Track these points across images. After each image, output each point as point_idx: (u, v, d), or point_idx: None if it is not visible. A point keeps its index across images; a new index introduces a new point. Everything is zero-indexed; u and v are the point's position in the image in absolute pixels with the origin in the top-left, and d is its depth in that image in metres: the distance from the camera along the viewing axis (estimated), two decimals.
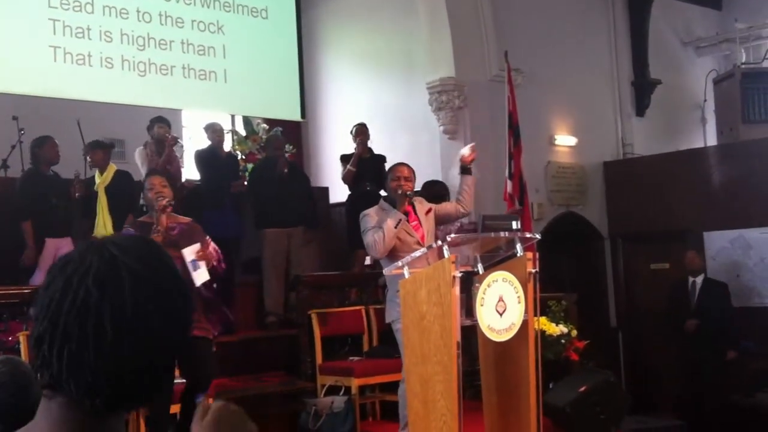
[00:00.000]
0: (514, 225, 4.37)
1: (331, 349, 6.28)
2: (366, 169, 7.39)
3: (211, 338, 4.61)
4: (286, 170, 7.14)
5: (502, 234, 4.21)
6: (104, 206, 6.42)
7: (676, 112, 10.17)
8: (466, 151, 5.03)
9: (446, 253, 3.88)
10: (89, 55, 6.76)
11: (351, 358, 6.18)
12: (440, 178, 7.60)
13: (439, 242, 3.99)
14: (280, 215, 6.97)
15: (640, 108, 9.72)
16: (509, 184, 7.28)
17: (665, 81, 9.77)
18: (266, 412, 5.72)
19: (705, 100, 10.28)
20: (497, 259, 4.28)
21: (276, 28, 7.96)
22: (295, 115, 8.33)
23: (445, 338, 3.83)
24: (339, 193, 8.29)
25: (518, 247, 4.17)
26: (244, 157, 8.68)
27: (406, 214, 4.82)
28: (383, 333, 6.06)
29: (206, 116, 8.02)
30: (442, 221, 5.11)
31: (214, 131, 7.29)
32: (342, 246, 7.84)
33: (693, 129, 10.36)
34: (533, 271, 4.14)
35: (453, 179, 5.27)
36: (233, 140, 8.94)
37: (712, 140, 10.02)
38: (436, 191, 6.33)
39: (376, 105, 8.84)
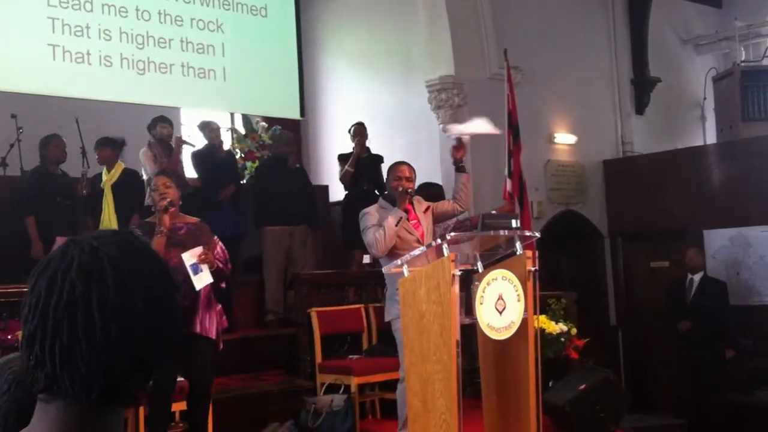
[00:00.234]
0: (514, 223, 4.37)
1: (330, 348, 6.28)
2: (363, 168, 7.39)
3: (214, 339, 4.59)
4: (298, 165, 7.18)
5: (501, 232, 4.21)
6: (110, 204, 6.41)
7: (675, 111, 10.16)
8: (455, 129, 5.03)
9: (446, 252, 3.88)
10: (88, 54, 6.76)
11: (350, 356, 6.18)
12: (440, 177, 7.60)
13: (439, 240, 3.99)
14: (284, 213, 6.97)
15: (640, 106, 9.72)
16: (509, 182, 7.28)
17: (665, 79, 9.77)
18: (266, 411, 5.73)
19: (704, 99, 10.28)
20: (497, 257, 4.28)
21: (275, 26, 7.96)
22: (294, 114, 8.33)
23: (444, 337, 3.83)
24: (338, 191, 8.29)
25: (518, 245, 4.17)
26: (243, 155, 8.68)
27: (406, 212, 4.82)
28: (382, 331, 6.05)
29: (205, 115, 8.01)
30: (439, 219, 5.12)
31: (211, 130, 7.28)
32: (341, 245, 7.83)
33: (692, 127, 10.35)
34: (533, 269, 4.14)
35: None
36: (232, 139, 8.94)
37: (711, 138, 10.01)
38: (432, 193, 6.32)
39: (375, 103, 8.83)
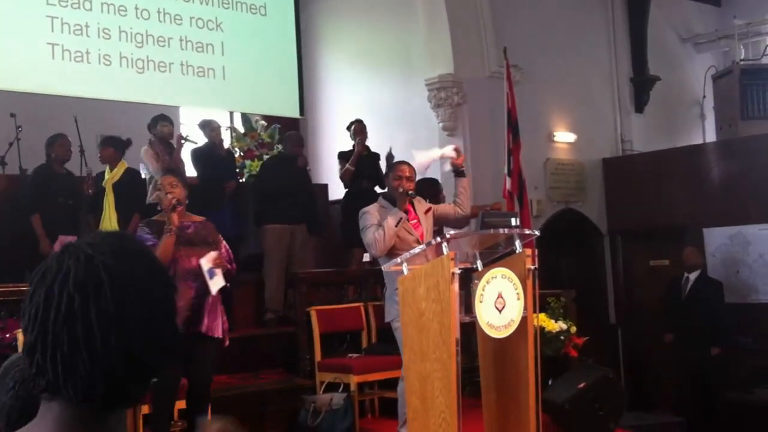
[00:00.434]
0: (513, 222, 4.37)
1: (329, 346, 6.27)
2: (363, 166, 7.38)
3: (220, 337, 4.62)
4: (308, 167, 7.18)
5: (501, 231, 4.21)
6: (111, 203, 6.41)
7: (675, 109, 10.16)
8: (447, 151, 5.06)
9: (445, 250, 3.88)
10: (87, 52, 6.76)
11: (350, 355, 6.17)
12: (439, 176, 7.60)
13: (438, 239, 3.98)
14: (286, 211, 6.96)
15: (639, 104, 9.72)
16: (508, 180, 7.28)
17: (664, 77, 9.77)
18: (265, 410, 5.73)
19: (704, 97, 10.28)
20: (496, 255, 4.28)
21: (275, 25, 7.96)
22: (293, 112, 8.33)
23: (444, 335, 3.83)
24: (338, 190, 8.28)
25: (517, 243, 4.16)
26: (242, 154, 8.68)
27: (406, 212, 4.82)
28: (382, 330, 6.05)
29: (206, 113, 8.01)
30: (440, 222, 5.12)
31: (212, 128, 7.28)
32: (340, 243, 7.83)
33: (692, 125, 10.36)
34: (532, 267, 4.13)
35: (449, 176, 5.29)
36: (231, 137, 8.94)
37: (711, 137, 10.01)
38: (427, 188, 6.32)
39: (374, 102, 8.83)
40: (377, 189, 7.15)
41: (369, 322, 6.46)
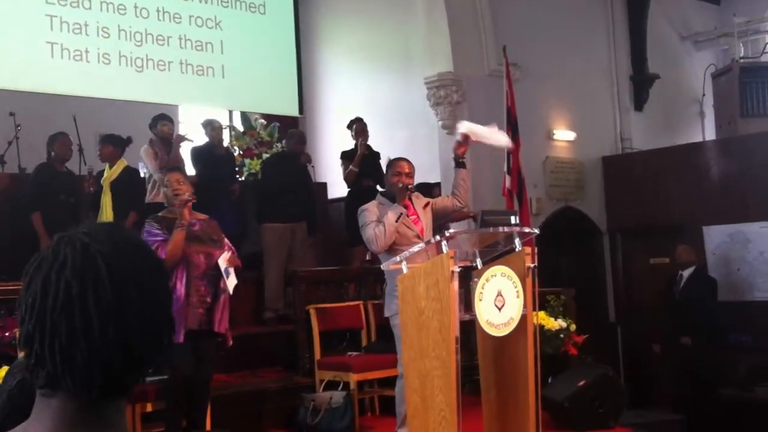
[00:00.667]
0: (513, 220, 4.37)
1: (329, 345, 6.28)
2: (364, 165, 7.38)
3: (225, 334, 4.69)
4: (311, 164, 7.19)
5: (500, 229, 4.21)
6: (108, 201, 6.42)
7: (674, 107, 10.16)
8: (460, 137, 4.97)
9: (445, 248, 3.88)
10: (86, 51, 6.75)
11: (349, 353, 6.17)
12: (439, 174, 7.61)
13: (438, 237, 3.98)
14: (286, 209, 6.96)
15: (639, 102, 9.71)
16: (507, 179, 7.28)
17: (664, 75, 9.76)
18: (264, 408, 5.73)
19: (703, 95, 10.28)
20: (496, 253, 4.28)
21: (274, 23, 7.95)
22: (292, 111, 8.33)
23: (443, 333, 3.83)
24: (337, 188, 8.28)
25: (517, 241, 4.16)
26: (241, 152, 8.68)
27: (406, 208, 4.82)
28: (381, 328, 6.05)
29: (204, 112, 8.01)
30: (439, 215, 5.11)
31: (213, 128, 7.28)
32: (340, 241, 7.83)
33: (691, 123, 10.35)
34: (532, 265, 4.13)
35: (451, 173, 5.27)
36: (231, 136, 8.94)
37: (710, 135, 10.01)
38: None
39: (373, 100, 8.83)
40: (379, 188, 7.15)
41: (368, 321, 6.46)
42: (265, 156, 8.45)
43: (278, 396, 5.85)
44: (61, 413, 1.00)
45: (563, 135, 8.92)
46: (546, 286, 6.00)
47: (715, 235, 8.40)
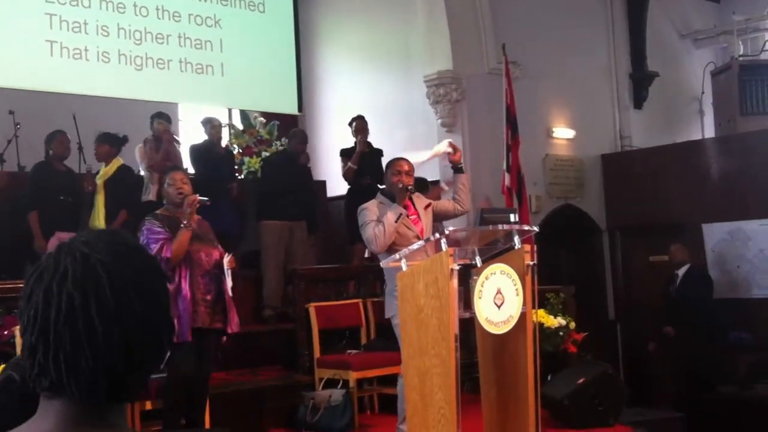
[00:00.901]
0: (512, 218, 4.37)
1: (328, 343, 6.28)
2: (365, 163, 7.38)
3: (229, 331, 4.71)
4: (309, 164, 7.20)
5: (500, 227, 4.21)
6: (100, 200, 6.42)
7: (673, 105, 10.17)
8: (441, 148, 5.08)
9: (444, 247, 3.88)
10: (86, 50, 6.75)
11: (349, 351, 6.17)
12: (438, 172, 7.60)
13: (437, 235, 3.98)
14: (285, 208, 6.96)
15: (638, 100, 9.71)
16: (507, 177, 7.28)
17: (663, 73, 9.76)
18: (264, 406, 5.73)
19: (703, 93, 10.28)
20: (495, 251, 4.28)
21: (273, 21, 7.95)
22: (292, 109, 8.33)
23: (443, 331, 3.83)
24: (337, 187, 8.28)
25: (516, 239, 4.16)
26: (241, 151, 8.67)
27: (405, 208, 4.82)
28: (381, 326, 6.05)
29: (203, 110, 8.01)
30: (439, 218, 5.12)
31: (213, 126, 7.27)
32: (339, 240, 7.83)
33: (691, 121, 10.36)
34: (531, 263, 4.14)
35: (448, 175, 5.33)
36: (230, 134, 8.94)
37: (709, 132, 10.02)
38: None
39: (373, 98, 8.82)
40: (380, 186, 7.15)
41: (368, 319, 6.46)
42: (264, 154, 8.44)
43: (278, 394, 5.85)
44: (64, 415, 1.01)
45: (563, 133, 8.93)
46: (545, 284, 6.00)
47: (714, 233, 8.40)
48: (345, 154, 7.53)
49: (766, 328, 7.85)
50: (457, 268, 3.83)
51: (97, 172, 6.63)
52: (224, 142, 7.89)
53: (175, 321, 4.33)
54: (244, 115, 9.02)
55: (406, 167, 4.87)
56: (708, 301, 7.84)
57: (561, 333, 6.13)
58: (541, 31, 8.59)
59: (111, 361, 1.00)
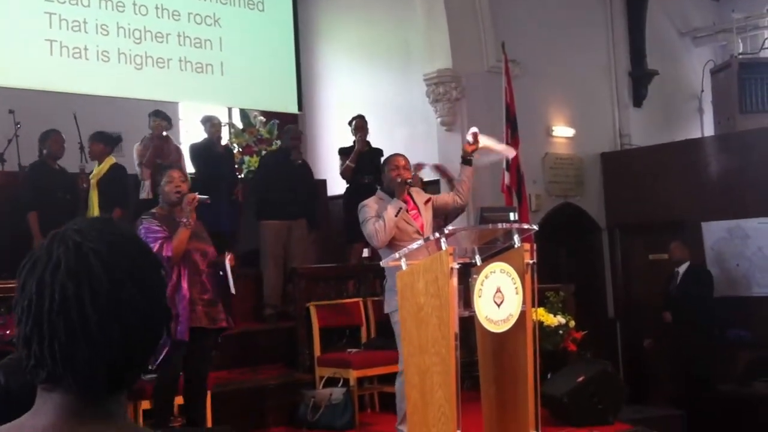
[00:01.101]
0: (512, 216, 4.39)
1: (329, 341, 6.29)
2: (364, 162, 7.39)
3: (228, 328, 4.72)
4: (300, 161, 7.20)
5: (499, 225, 4.22)
6: (94, 198, 6.43)
7: (673, 103, 10.17)
8: (470, 137, 5.00)
9: (444, 245, 3.89)
10: (85, 49, 6.75)
11: (349, 350, 6.18)
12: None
13: (437, 234, 3.99)
14: (284, 207, 6.97)
15: (638, 99, 9.72)
16: (507, 175, 7.29)
17: (662, 72, 9.77)
18: (264, 404, 5.74)
19: (702, 91, 10.29)
20: (495, 250, 4.28)
21: (272, 20, 7.95)
22: (291, 108, 8.32)
23: (442, 329, 3.84)
24: (337, 185, 8.29)
25: (516, 238, 4.17)
26: (240, 149, 8.68)
27: (405, 203, 4.84)
28: (381, 325, 6.06)
29: (203, 109, 8.01)
30: (439, 212, 5.12)
31: (213, 125, 7.28)
32: (340, 238, 7.84)
33: (690, 119, 10.36)
34: (531, 262, 4.14)
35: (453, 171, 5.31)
36: (230, 133, 8.94)
37: (709, 131, 10.02)
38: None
39: (373, 97, 8.83)
40: (378, 186, 7.16)
41: (368, 317, 6.47)
42: (264, 153, 8.45)
43: (278, 393, 5.87)
44: (62, 407, 1.01)
45: (562, 131, 8.93)
46: (545, 283, 6.01)
47: (713, 231, 8.42)
48: (343, 152, 7.54)
49: (765, 325, 7.86)
50: (457, 266, 3.83)
51: (91, 171, 6.64)
52: (224, 141, 7.89)
53: (174, 320, 4.33)
54: (244, 114, 9.03)
55: (402, 162, 4.90)
56: (709, 298, 7.85)
57: (561, 331, 6.14)
58: (540, 29, 8.60)
59: (107, 351, 0.99)
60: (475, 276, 3.97)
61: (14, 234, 6.35)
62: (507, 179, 7.27)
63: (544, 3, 8.71)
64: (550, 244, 7.80)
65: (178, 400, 4.74)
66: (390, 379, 5.53)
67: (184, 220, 4.47)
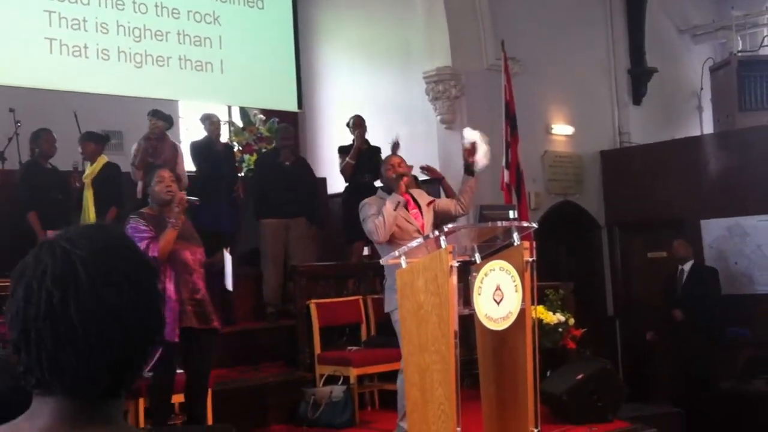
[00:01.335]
0: (511, 214, 4.40)
1: (329, 339, 6.30)
2: (363, 160, 7.40)
3: (218, 329, 4.68)
4: (287, 162, 7.18)
5: (499, 223, 4.23)
6: (89, 198, 6.44)
7: (672, 101, 10.18)
8: (468, 144, 5.02)
9: (443, 243, 3.90)
10: (85, 47, 6.75)
11: (349, 348, 6.20)
12: (437, 168, 7.60)
13: (436, 232, 4.00)
14: (281, 206, 6.98)
15: (637, 97, 9.72)
16: (506, 173, 7.30)
17: (662, 69, 9.77)
18: (265, 402, 5.76)
19: (701, 89, 10.29)
20: (494, 248, 4.29)
21: (272, 18, 7.95)
22: (291, 106, 8.32)
23: (442, 328, 3.85)
24: (336, 184, 8.29)
25: (515, 236, 4.18)
26: (240, 148, 8.68)
27: (404, 199, 4.86)
28: (381, 323, 6.08)
29: (204, 108, 8.01)
30: (440, 217, 5.13)
31: (212, 123, 7.28)
32: (340, 237, 7.84)
33: (689, 117, 10.37)
34: (530, 259, 4.15)
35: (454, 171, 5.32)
36: (230, 131, 8.94)
37: (708, 128, 10.03)
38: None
39: (372, 95, 8.83)
40: (378, 183, 7.16)
41: (368, 315, 6.48)
42: (261, 152, 8.46)
43: (279, 390, 5.88)
44: (58, 411, 1.01)
45: (562, 129, 8.94)
46: (544, 280, 6.02)
47: (712, 229, 8.43)
48: (343, 151, 7.56)
49: (764, 323, 7.87)
50: (457, 264, 3.85)
51: (83, 171, 6.64)
52: (224, 139, 7.89)
53: None
54: (244, 112, 9.03)
55: (397, 160, 4.96)
56: (717, 297, 7.84)
57: (560, 329, 6.15)
58: (539, 27, 8.60)
59: (94, 357, 0.99)
60: (474, 274, 3.98)
61: (14, 233, 6.35)
62: (506, 177, 7.28)
63: (543, 1, 8.72)
64: (550, 242, 7.81)
65: (179, 398, 4.75)
66: (390, 376, 5.55)
67: (172, 221, 4.43)
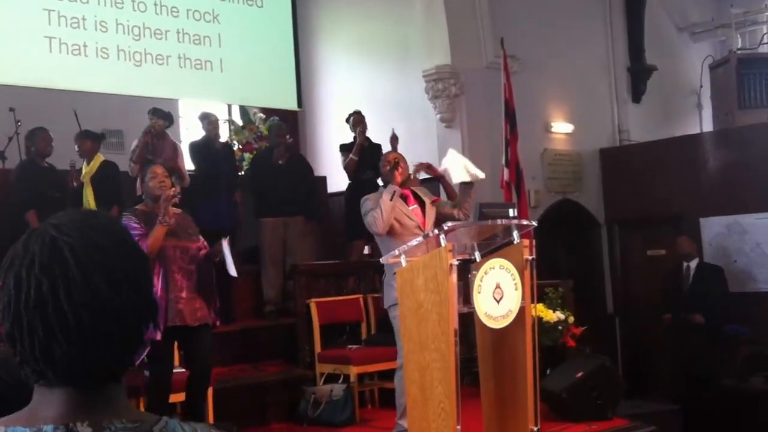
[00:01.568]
0: (511, 212, 4.41)
1: (329, 338, 6.31)
2: (364, 157, 7.40)
3: (211, 325, 4.64)
4: (280, 161, 7.17)
5: (498, 221, 4.24)
6: (90, 197, 6.44)
7: (672, 99, 10.18)
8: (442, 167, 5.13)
9: (443, 242, 3.91)
10: (85, 46, 6.75)
11: (349, 346, 6.21)
12: (437, 167, 7.61)
13: (436, 230, 4.01)
14: (278, 204, 6.99)
15: (636, 94, 9.72)
16: (506, 171, 7.30)
17: (661, 67, 9.77)
18: (265, 401, 5.77)
19: (701, 86, 10.29)
20: (494, 246, 4.30)
21: (271, 16, 7.95)
22: (291, 104, 8.32)
23: (442, 326, 3.86)
24: (336, 182, 8.30)
25: (515, 234, 4.19)
26: (240, 146, 8.68)
27: (405, 197, 4.88)
28: (381, 321, 6.08)
29: (204, 106, 8.01)
30: (441, 219, 5.15)
31: (210, 122, 7.28)
32: (340, 235, 7.85)
33: (689, 115, 10.37)
34: (530, 258, 4.16)
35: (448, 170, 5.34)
36: (230, 130, 8.94)
37: (708, 126, 10.03)
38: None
39: (372, 93, 8.84)
40: (379, 181, 7.17)
41: (368, 314, 6.49)
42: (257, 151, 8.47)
43: (279, 389, 5.90)
44: (59, 400, 1.01)
45: (561, 127, 8.94)
46: (544, 278, 6.03)
47: (712, 227, 8.43)
48: (345, 149, 7.56)
49: (763, 321, 7.88)
50: (456, 263, 3.85)
51: (80, 169, 6.64)
52: (224, 138, 7.89)
53: None
54: (244, 110, 9.03)
55: (393, 155, 5.04)
56: (727, 295, 7.84)
57: (560, 327, 6.17)
58: (539, 24, 8.60)
59: (86, 346, 0.99)
60: (474, 272, 3.99)
61: (14, 233, 6.34)
62: (506, 175, 7.28)
63: None
64: (549, 240, 7.82)
65: (180, 396, 4.75)
66: (390, 375, 5.55)
67: (160, 218, 4.42)
